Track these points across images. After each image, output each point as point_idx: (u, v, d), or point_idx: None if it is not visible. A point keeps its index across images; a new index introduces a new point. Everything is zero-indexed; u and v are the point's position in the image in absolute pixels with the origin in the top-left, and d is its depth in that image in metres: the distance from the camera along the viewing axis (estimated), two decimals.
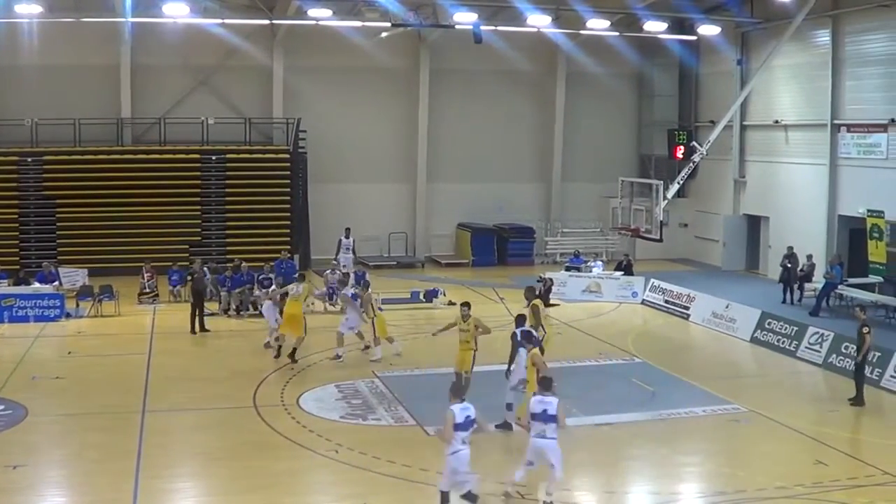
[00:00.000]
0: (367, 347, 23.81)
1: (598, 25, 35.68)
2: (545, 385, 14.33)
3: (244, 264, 29.42)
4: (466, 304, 19.65)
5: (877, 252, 29.95)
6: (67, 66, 35.67)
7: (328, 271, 30.35)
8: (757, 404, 19.45)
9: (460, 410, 13.58)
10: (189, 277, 27.76)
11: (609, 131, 42.12)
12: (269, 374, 21.78)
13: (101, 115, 36.12)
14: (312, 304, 27.54)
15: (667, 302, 30.03)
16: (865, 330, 19.78)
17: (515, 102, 41.21)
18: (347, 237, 34.37)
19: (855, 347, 22.17)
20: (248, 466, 15.79)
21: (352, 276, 29.58)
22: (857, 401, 19.68)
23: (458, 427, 13.43)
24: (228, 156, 36.93)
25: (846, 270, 30.22)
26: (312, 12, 34.00)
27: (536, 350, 17.15)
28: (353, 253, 34.59)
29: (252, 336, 25.76)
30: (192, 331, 25.90)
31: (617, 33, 37.94)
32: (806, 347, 23.80)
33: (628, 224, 33.21)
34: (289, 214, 37.09)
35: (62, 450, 16.79)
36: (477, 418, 13.75)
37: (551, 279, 31.65)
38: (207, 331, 26.01)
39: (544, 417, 13.95)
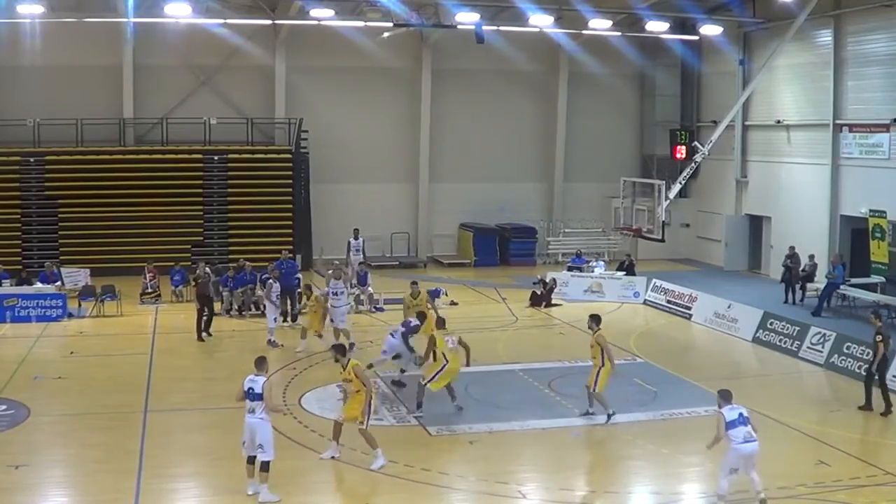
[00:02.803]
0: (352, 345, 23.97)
1: (600, 25, 35.68)
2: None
3: (248, 264, 29.43)
4: (415, 283, 23.67)
5: (879, 252, 29.95)
6: (69, 66, 35.71)
7: (329, 271, 30.30)
8: (759, 404, 19.37)
9: (247, 380, 14.64)
10: (193, 282, 27.54)
11: (611, 131, 42.11)
12: (271, 374, 21.75)
13: (104, 116, 36.14)
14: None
15: (669, 302, 30.02)
16: (879, 338, 19.05)
17: (517, 102, 41.20)
18: (356, 238, 34.20)
19: (857, 348, 22.28)
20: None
21: (354, 276, 29.72)
22: (867, 406, 19.20)
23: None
24: (230, 156, 36.96)
25: (848, 270, 30.22)
26: (314, 12, 33.98)
27: (357, 363, 16.29)
28: (363, 254, 34.23)
29: (254, 336, 25.79)
30: (199, 337, 25.30)
31: (619, 33, 37.93)
32: (808, 347, 23.78)
33: (630, 224, 33.21)
34: (291, 214, 37.10)
35: (64, 450, 16.82)
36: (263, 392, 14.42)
37: (554, 279, 31.67)
38: (210, 335, 25.64)
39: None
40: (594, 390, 18.25)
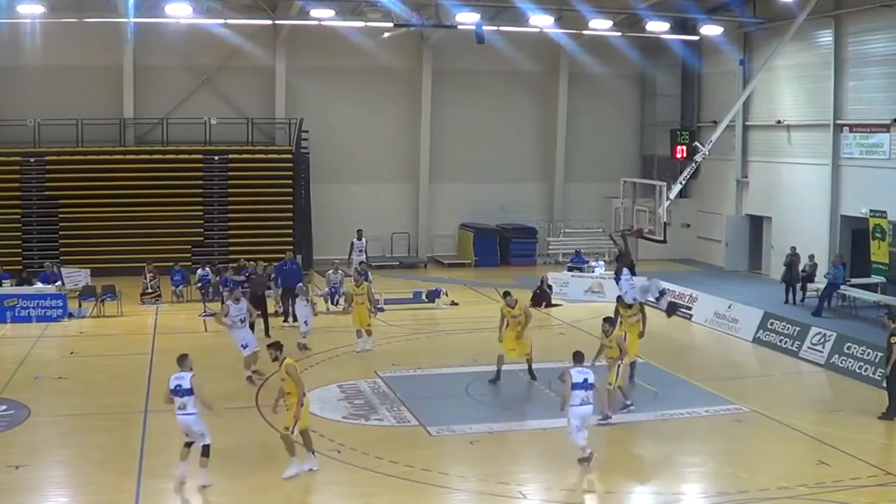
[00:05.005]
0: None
1: (600, 26, 35.67)
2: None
3: (249, 264, 29.42)
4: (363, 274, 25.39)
5: (879, 252, 29.94)
6: (70, 66, 35.71)
7: (330, 271, 30.35)
8: (759, 404, 19.44)
9: (173, 379, 15.02)
10: (245, 280, 27.37)
11: (611, 131, 42.11)
12: (271, 374, 21.74)
13: (104, 116, 36.15)
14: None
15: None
16: (893, 340, 18.61)
17: (518, 103, 41.20)
18: (360, 239, 33.96)
19: (857, 348, 22.28)
20: (251, 467, 15.78)
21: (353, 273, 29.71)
22: (889, 414, 18.58)
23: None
24: (231, 156, 36.97)
25: (849, 271, 30.21)
26: (315, 13, 33.99)
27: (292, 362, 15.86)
28: (366, 255, 33.87)
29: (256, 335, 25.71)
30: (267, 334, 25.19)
31: (619, 33, 37.92)
32: (808, 348, 23.78)
33: (631, 225, 33.15)
34: (291, 215, 37.13)
35: (64, 450, 16.82)
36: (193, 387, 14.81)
37: (548, 284, 31.48)
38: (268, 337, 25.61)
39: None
40: (615, 386, 18.54)
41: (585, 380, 15.76)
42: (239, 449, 16.76)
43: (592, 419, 16.28)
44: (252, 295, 26.17)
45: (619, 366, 18.59)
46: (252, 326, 22.34)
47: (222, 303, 28.77)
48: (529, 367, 21.31)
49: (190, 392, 14.75)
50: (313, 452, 15.60)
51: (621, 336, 19.17)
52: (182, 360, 15.18)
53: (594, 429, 17.92)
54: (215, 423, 16.18)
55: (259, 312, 25.85)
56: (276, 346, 15.83)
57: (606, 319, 19.34)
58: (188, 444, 14.83)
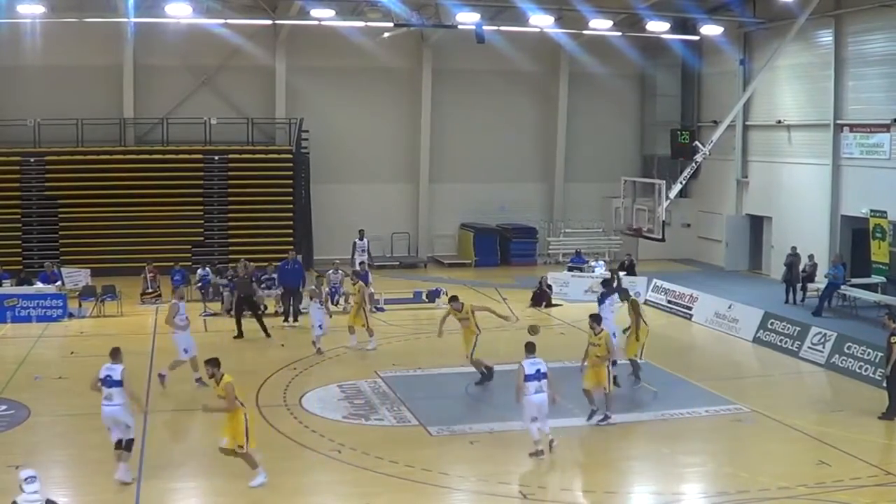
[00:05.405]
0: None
1: (600, 25, 35.68)
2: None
3: (251, 265, 29.41)
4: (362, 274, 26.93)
5: (879, 252, 29.94)
6: (70, 66, 35.73)
7: (330, 271, 30.32)
8: (759, 404, 19.44)
9: (104, 369, 15.17)
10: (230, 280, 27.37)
11: (612, 131, 42.11)
12: (271, 374, 21.78)
13: (104, 116, 36.15)
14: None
15: (669, 302, 30.01)
16: (894, 340, 18.54)
17: (518, 102, 41.20)
18: (361, 239, 33.71)
19: (857, 348, 22.26)
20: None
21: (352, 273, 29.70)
22: (889, 414, 18.55)
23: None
24: (231, 156, 36.98)
25: (849, 271, 30.20)
26: (315, 12, 34.01)
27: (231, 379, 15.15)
28: (368, 255, 33.58)
29: (254, 335, 25.75)
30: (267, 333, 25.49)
31: (619, 33, 37.92)
32: (809, 348, 23.77)
33: (631, 224, 33.19)
34: (291, 215, 37.14)
35: (65, 450, 16.81)
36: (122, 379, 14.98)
37: (549, 283, 31.46)
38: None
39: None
40: (608, 391, 18.24)
41: (538, 370, 16.20)
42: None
43: (547, 408, 16.37)
44: (238, 298, 26.15)
45: (608, 366, 18.15)
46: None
47: (222, 303, 28.85)
48: (478, 368, 20.95)
49: (118, 384, 14.92)
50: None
51: (609, 334, 18.81)
52: (115, 353, 15.34)
53: (595, 429, 17.96)
54: (216, 423, 16.20)
55: (250, 313, 25.82)
56: (213, 363, 15.18)
57: (593, 316, 18.86)
58: (119, 444, 14.96)
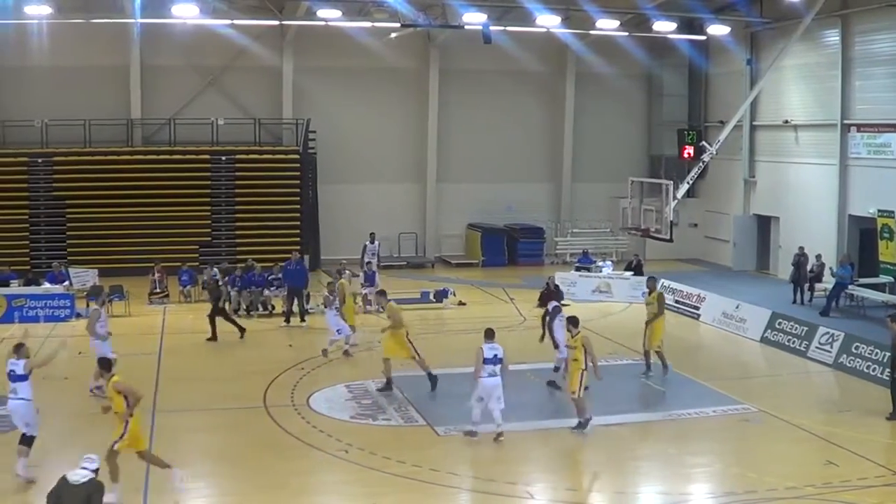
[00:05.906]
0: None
1: (607, 26, 35.66)
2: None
3: (257, 265, 29.47)
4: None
5: (887, 252, 29.90)
6: (77, 67, 35.81)
7: (347, 272, 30.24)
8: (767, 404, 19.40)
9: (9, 363, 15.30)
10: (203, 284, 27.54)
11: (619, 131, 42.08)
12: (279, 374, 21.80)
13: (111, 116, 36.24)
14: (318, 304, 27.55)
15: (677, 302, 29.96)
16: None
17: (525, 103, 41.21)
18: (372, 242, 33.49)
19: (865, 348, 22.21)
20: (258, 466, 15.79)
21: (360, 275, 29.69)
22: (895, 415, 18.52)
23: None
24: (238, 156, 37.03)
25: (856, 271, 30.15)
26: (322, 13, 34.05)
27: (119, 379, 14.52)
28: (378, 258, 33.31)
29: (262, 336, 25.81)
30: (214, 337, 25.33)
31: (626, 33, 37.90)
32: (816, 348, 23.73)
33: (638, 224, 33.18)
34: (298, 215, 37.17)
35: (70, 450, 16.77)
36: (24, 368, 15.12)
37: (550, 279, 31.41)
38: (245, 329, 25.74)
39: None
40: (578, 396, 17.57)
41: (495, 355, 16.86)
42: (245, 448, 16.80)
43: (500, 391, 16.87)
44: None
45: (582, 372, 17.52)
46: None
47: (228, 303, 28.85)
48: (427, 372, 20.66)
49: (22, 378, 15.10)
50: (170, 467, 14.75)
51: (587, 337, 18.41)
52: (18, 349, 15.42)
53: (603, 429, 17.93)
54: (224, 423, 16.26)
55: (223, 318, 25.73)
56: (104, 364, 15.04)
57: (570, 319, 18.45)
58: (22, 440, 15.04)
